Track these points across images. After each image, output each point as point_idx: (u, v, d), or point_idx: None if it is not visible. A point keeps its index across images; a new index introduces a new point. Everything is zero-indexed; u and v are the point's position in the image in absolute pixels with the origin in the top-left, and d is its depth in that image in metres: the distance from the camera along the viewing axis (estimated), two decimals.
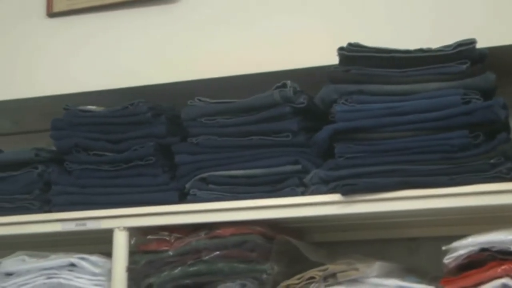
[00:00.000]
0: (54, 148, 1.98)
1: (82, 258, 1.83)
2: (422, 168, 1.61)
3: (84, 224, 1.84)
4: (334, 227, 1.91)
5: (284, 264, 1.74)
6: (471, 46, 1.63)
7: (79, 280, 1.82)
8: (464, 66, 1.62)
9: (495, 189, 1.54)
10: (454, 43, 1.64)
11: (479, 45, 1.63)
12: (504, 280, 1.52)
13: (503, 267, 1.53)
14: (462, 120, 1.59)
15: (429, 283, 1.64)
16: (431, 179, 1.59)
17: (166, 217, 1.79)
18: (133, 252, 1.81)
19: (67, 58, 2.05)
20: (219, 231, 1.74)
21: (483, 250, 1.56)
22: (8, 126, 2.29)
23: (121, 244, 1.80)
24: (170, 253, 1.77)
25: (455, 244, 1.60)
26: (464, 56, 1.63)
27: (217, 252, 1.72)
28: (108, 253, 1.84)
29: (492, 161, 1.56)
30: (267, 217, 1.72)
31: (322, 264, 1.69)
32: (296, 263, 1.75)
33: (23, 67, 2.09)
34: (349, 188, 1.64)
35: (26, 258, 1.88)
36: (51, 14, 2.08)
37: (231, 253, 1.72)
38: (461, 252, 1.58)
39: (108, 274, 1.82)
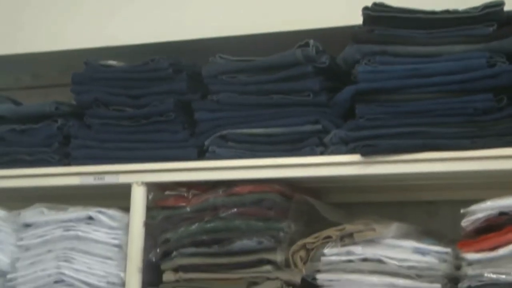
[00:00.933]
0: (74, 102, 1.99)
1: (100, 212, 1.86)
2: (444, 130, 1.61)
3: (102, 178, 1.86)
4: (353, 188, 1.92)
5: (302, 223, 1.76)
6: (498, 8, 1.61)
7: (96, 233, 1.84)
8: (491, 29, 1.62)
9: None
10: (481, 5, 1.62)
11: (507, 7, 1.61)
12: None
13: None
14: (487, 83, 1.58)
15: (446, 246, 1.65)
16: (453, 141, 1.59)
17: (184, 173, 1.80)
18: (151, 208, 1.84)
19: (89, 13, 2.05)
20: (237, 189, 1.75)
21: (501, 214, 1.58)
22: (28, 80, 2.31)
23: (138, 199, 1.82)
24: (188, 209, 1.79)
25: (474, 207, 1.61)
26: (491, 18, 1.61)
27: (235, 209, 1.74)
28: (126, 208, 1.86)
29: None
30: (286, 176, 1.73)
31: (339, 224, 1.70)
32: (314, 223, 1.77)
33: (44, 20, 2.09)
34: (369, 149, 1.64)
35: (44, 210, 1.90)
36: None
37: (249, 210, 1.74)
38: (479, 215, 1.60)
39: (126, 228, 1.84)
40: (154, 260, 1.80)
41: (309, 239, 1.71)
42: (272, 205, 1.73)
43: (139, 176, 1.83)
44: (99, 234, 1.84)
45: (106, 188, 1.89)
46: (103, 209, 1.86)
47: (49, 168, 1.92)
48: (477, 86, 1.59)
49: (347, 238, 1.68)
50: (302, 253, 1.71)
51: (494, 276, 1.55)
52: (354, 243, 1.67)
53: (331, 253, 1.68)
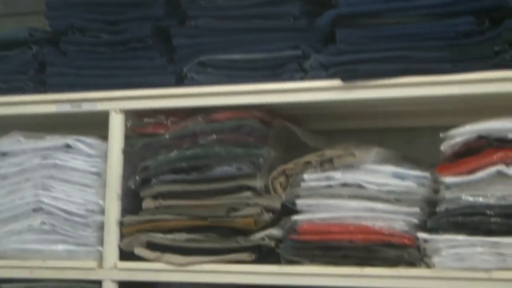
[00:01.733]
0: (49, 29, 1.98)
1: (78, 140, 1.88)
2: (425, 54, 1.63)
3: (79, 106, 1.87)
4: (332, 115, 1.95)
5: (281, 149, 1.80)
6: None
7: (74, 161, 1.88)
8: None
9: (498, 76, 1.57)
10: None
11: None
12: (499, 167, 1.59)
13: (499, 154, 1.59)
14: (469, 6, 1.60)
15: (425, 170, 1.70)
16: (434, 65, 1.62)
17: (163, 100, 1.83)
18: (129, 135, 1.86)
19: None
20: (216, 115, 1.78)
21: (480, 137, 1.62)
22: (0, 8, 2.29)
23: (117, 126, 1.85)
24: (166, 136, 1.82)
25: (453, 132, 1.65)
26: None
27: (214, 136, 1.78)
28: (104, 137, 1.88)
29: (496, 48, 1.57)
30: (265, 102, 1.76)
31: (319, 150, 1.74)
32: (293, 149, 1.81)
33: None
34: (349, 73, 1.66)
35: (21, 138, 1.92)
36: None
37: (228, 137, 1.78)
38: (458, 139, 1.64)
39: (104, 156, 1.87)
40: (133, 187, 1.85)
41: (288, 165, 1.75)
42: (251, 131, 1.76)
43: (117, 104, 1.85)
44: (78, 162, 1.88)
45: (83, 116, 1.91)
46: (81, 137, 1.89)
47: (24, 95, 1.92)
48: (458, 9, 1.60)
49: (326, 164, 1.72)
50: (282, 179, 1.76)
51: (471, 198, 1.61)
52: (334, 169, 1.71)
53: (311, 178, 1.72)
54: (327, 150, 1.72)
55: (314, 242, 1.71)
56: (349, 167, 1.70)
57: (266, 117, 1.79)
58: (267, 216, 1.77)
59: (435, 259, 1.63)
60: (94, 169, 1.88)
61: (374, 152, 1.73)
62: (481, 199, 1.61)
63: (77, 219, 1.87)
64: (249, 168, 1.76)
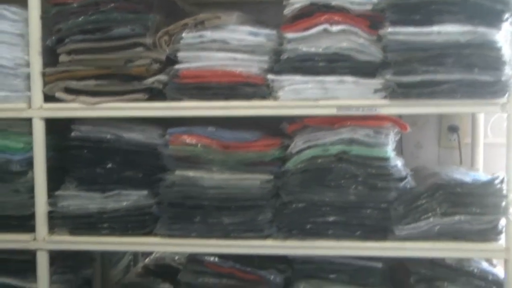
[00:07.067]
0: None
1: (4, 9, 2.10)
2: None
3: None
4: None
5: (164, 15, 2.08)
6: None
7: (2, 25, 2.09)
8: None
9: None
10: None
11: None
12: (325, 26, 1.96)
13: (325, 16, 1.96)
14: None
15: (273, 29, 2.05)
16: None
17: None
18: (45, 5, 2.09)
19: None
20: None
21: (312, 4, 1.97)
22: None
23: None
24: (74, 5, 2.08)
25: (292, 0, 1.99)
26: None
27: (112, 4, 2.04)
28: (25, 6, 2.08)
29: None
30: None
31: (194, 15, 2.03)
32: (175, 15, 2.10)
33: None
34: None
35: None
36: None
37: (123, 5, 2.04)
38: (296, 5, 1.99)
39: (26, 21, 2.09)
40: (50, 45, 2.10)
41: (171, 27, 2.04)
42: (141, 1, 2.04)
43: None
44: (5, 26, 2.09)
45: None
46: (6, 6, 2.09)
47: None
48: None
49: (200, 25, 2.03)
50: (166, 37, 2.06)
51: (305, 49, 1.99)
52: (205, 29, 2.02)
53: (188, 36, 2.03)
54: (200, 14, 2.01)
55: (192, 84, 2.03)
56: (217, 27, 2.01)
57: None
58: (156, 66, 2.06)
59: (280, 93, 2.00)
60: (18, 31, 2.10)
61: (235, 16, 2.05)
62: (312, 49, 1.98)
63: (8, 71, 2.10)
64: (140, 29, 2.02)
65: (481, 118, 2.50)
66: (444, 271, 2.10)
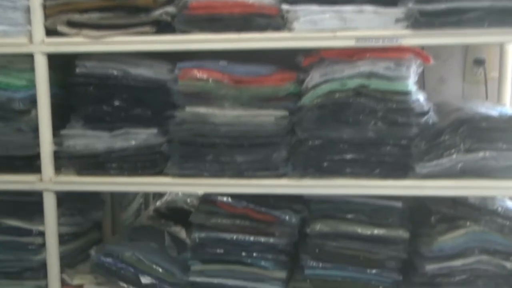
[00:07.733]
0: None
1: None
2: None
3: None
4: None
5: None
6: None
7: None
8: None
9: None
10: None
11: None
12: None
13: None
14: None
15: None
16: None
17: None
18: None
19: None
20: None
21: None
22: None
23: None
24: None
25: None
26: None
27: None
28: None
29: None
30: None
31: None
32: None
33: None
34: None
35: None
36: None
37: None
38: None
39: None
40: None
41: None
42: None
43: None
44: None
45: None
46: None
47: None
48: None
49: None
50: None
51: None
52: None
53: None
54: None
55: (202, 15, 1.95)
56: None
57: None
58: None
59: (295, 24, 1.91)
60: None
61: None
62: None
63: (6, 3, 2.02)
64: None
65: (510, 50, 2.37)
66: (466, 210, 2.01)
